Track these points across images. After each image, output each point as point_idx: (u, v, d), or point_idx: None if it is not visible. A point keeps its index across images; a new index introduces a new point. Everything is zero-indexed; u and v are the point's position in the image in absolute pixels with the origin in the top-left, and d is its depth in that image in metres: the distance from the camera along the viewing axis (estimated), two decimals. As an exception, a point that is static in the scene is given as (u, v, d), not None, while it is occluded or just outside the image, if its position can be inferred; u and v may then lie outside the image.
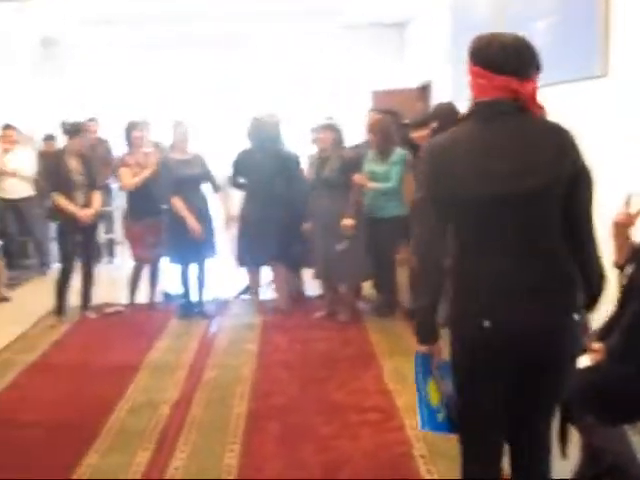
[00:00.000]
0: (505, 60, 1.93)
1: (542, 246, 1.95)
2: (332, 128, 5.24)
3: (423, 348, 2.15)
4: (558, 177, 1.89)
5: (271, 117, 5.69)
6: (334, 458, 3.18)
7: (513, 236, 1.94)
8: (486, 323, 1.93)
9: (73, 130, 5.55)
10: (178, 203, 5.35)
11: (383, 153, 5.25)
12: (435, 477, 2.98)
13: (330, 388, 4.02)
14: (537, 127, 1.98)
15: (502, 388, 2.06)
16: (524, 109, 1.96)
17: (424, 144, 2.08)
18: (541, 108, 2.00)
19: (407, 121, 5.22)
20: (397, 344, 4.76)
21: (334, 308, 5.48)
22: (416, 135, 5.01)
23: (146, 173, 5.60)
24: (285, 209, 5.48)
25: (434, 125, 4.61)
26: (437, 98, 7.64)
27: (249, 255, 5.60)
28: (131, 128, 5.72)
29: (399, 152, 5.25)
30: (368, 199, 5.28)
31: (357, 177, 5.12)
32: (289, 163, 5.60)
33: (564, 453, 2.78)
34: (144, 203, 5.65)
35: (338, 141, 5.25)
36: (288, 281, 5.88)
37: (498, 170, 1.91)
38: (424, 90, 9.04)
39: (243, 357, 4.64)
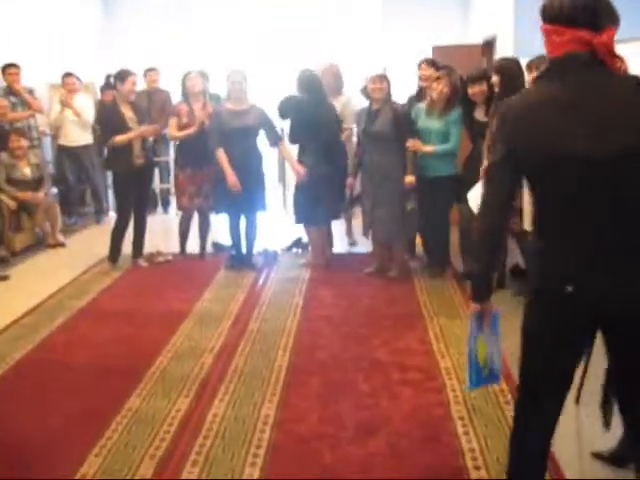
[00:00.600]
0: (575, 12, 1.86)
1: (629, 210, 1.88)
2: (387, 79, 5.09)
3: (477, 306, 2.16)
4: None
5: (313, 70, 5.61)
6: (371, 416, 3.16)
7: (598, 199, 1.87)
8: (569, 288, 1.91)
9: (119, 77, 5.57)
10: (221, 155, 5.33)
11: (443, 110, 5.08)
12: (472, 439, 2.93)
13: (373, 345, 3.99)
14: (618, 82, 1.91)
15: (575, 354, 2.09)
16: (602, 62, 1.88)
17: (499, 103, 2.08)
18: (621, 61, 1.91)
19: (462, 76, 5.02)
20: (445, 305, 4.69)
21: (384, 265, 5.41)
22: (472, 91, 4.86)
23: (190, 130, 5.59)
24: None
25: (495, 79, 4.46)
26: (501, 54, 7.37)
27: (315, 212, 5.47)
28: (186, 78, 5.70)
29: (457, 110, 5.07)
30: (421, 158, 5.12)
31: (412, 143, 4.98)
32: (338, 116, 5.51)
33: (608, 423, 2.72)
34: (190, 153, 5.68)
35: (389, 94, 5.10)
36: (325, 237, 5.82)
37: (582, 130, 1.84)
38: (488, 46, 8.75)
39: (288, 310, 4.64)
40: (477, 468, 2.73)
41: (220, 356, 3.89)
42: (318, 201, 5.38)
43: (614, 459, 2.72)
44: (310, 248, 5.89)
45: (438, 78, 5.07)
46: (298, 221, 5.63)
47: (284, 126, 5.82)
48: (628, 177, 1.85)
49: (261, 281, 5.39)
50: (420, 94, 5.68)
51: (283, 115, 5.58)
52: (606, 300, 1.90)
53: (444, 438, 2.96)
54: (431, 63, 5.64)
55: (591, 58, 1.87)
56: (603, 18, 1.87)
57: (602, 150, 1.81)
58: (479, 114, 4.92)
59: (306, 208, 5.48)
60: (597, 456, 2.80)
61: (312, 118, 5.28)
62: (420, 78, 5.68)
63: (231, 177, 5.30)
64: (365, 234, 5.44)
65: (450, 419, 3.12)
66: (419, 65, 5.72)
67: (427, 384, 3.48)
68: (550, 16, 1.92)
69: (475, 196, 4.66)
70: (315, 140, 5.35)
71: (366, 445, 2.92)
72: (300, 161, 5.46)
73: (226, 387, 3.49)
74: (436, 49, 8.76)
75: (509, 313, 4.43)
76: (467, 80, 4.93)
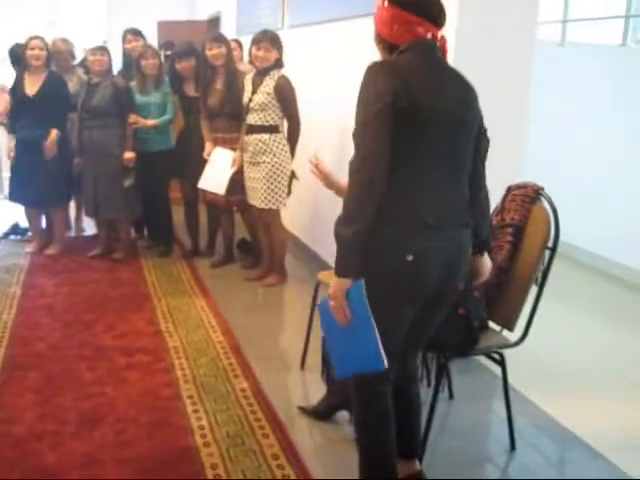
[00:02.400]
0: (430, 6, 2.01)
1: (464, 176, 2.05)
2: (107, 51, 4.83)
3: (347, 282, 1.93)
4: (480, 118, 2.08)
5: None
6: (95, 406, 2.99)
7: (452, 169, 2.01)
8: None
9: None
10: None
11: (157, 82, 4.96)
12: (202, 417, 2.90)
13: (97, 331, 3.79)
14: (457, 75, 2.08)
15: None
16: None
17: (372, 63, 1.96)
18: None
19: (169, 52, 4.97)
20: (173, 284, 4.64)
21: (110, 246, 5.17)
22: (181, 66, 4.82)
23: None
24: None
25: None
26: (225, 31, 7.41)
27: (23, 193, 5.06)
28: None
29: (166, 81, 5.02)
30: (141, 132, 4.96)
31: (133, 118, 4.81)
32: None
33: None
34: None
35: (110, 67, 4.87)
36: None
37: (458, 95, 2.01)
38: (213, 23, 8.75)
39: (3, 302, 4.22)
40: (207, 445, 2.70)
41: None
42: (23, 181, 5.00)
43: (316, 413, 2.92)
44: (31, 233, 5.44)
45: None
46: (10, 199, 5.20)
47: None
48: (469, 147, 2.05)
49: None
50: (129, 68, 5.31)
51: None
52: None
53: (173, 419, 2.90)
54: (138, 34, 5.46)
55: (438, 49, 2.03)
56: (443, 16, 2.05)
57: (465, 115, 2.01)
58: (189, 89, 4.90)
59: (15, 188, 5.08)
60: (302, 410, 2.97)
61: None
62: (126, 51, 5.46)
63: None
64: (88, 214, 5.14)
65: (179, 399, 3.06)
66: (123, 37, 5.49)
67: (155, 366, 3.38)
68: (403, 2, 1.98)
69: (206, 181, 4.66)
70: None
71: (91, 437, 2.75)
72: None
73: None
74: (161, 24, 8.57)
75: (239, 286, 4.58)
76: (175, 55, 4.86)
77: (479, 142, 2.10)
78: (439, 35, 2.02)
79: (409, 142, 1.91)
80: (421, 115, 1.91)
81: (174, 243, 5.35)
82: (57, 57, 5.20)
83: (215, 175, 4.62)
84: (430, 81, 1.98)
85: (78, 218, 5.85)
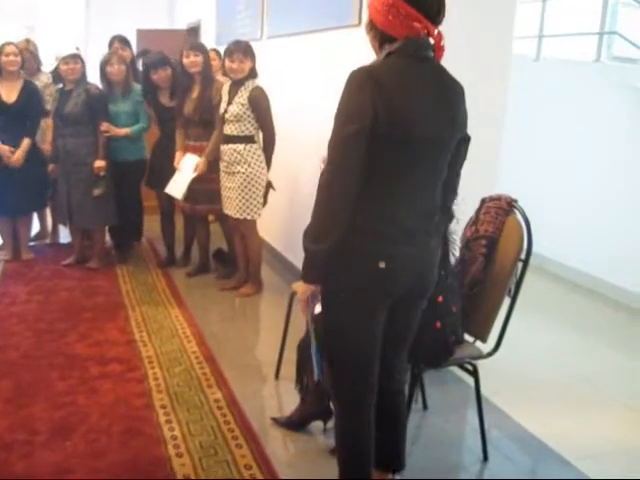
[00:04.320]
0: (439, 6, 1.91)
1: (439, 185, 2.03)
2: (81, 59, 4.80)
3: (312, 288, 2.00)
4: (464, 127, 2.03)
5: None
6: (67, 416, 2.95)
7: (428, 180, 1.98)
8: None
9: None
10: None
11: (124, 90, 4.94)
12: (175, 427, 2.89)
13: (70, 340, 3.75)
14: (446, 75, 2.00)
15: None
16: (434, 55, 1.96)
17: (354, 70, 1.86)
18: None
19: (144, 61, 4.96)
20: (148, 293, 4.61)
21: (84, 255, 5.13)
22: (157, 75, 4.82)
23: None
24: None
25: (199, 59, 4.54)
26: (205, 40, 7.42)
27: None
28: None
29: (138, 89, 5.00)
30: (114, 141, 4.91)
31: (106, 126, 4.78)
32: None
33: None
34: None
35: (84, 75, 4.84)
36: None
37: (442, 116, 1.93)
38: (192, 32, 8.76)
39: (-27, 310, 4.18)
40: (179, 455, 2.69)
41: None
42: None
43: (290, 424, 2.92)
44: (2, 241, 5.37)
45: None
46: None
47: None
48: (446, 162, 2.01)
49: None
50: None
51: None
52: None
53: (146, 429, 2.87)
54: (125, 43, 5.46)
55: (431, 48, 1.93)
56: (442, 15, 1.93)
57: (449, 132, 1.95)
58: (164, 99, 4.89)
59: None
60: (275, 421, 2.97)
61: None
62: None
63: None
64: (63, 222, 5.10)
65: (152, 408, 3.04)
66: (110, 44, 5.48)
67: (128, 375, 3.36)
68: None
69: (172, 185, 4.65)
70: None
71: (63, 447, 2.72)
72: None
73: None
74: (140, 32, 8.56)
75: (214, 296, 4.56)
76: (149, 65, 4.84)
77: (459, 149, 2.06)
78: (435, 32, 1.92)
79: (385, 156, 1.88)
80: (401, 136, 1.86)
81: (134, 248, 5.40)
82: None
83: (178, 180, 4.63)
84: (415, 97, 1.89)
85: (54, 225, 5.79)
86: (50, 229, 5.81)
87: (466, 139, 2.07)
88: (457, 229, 2.35)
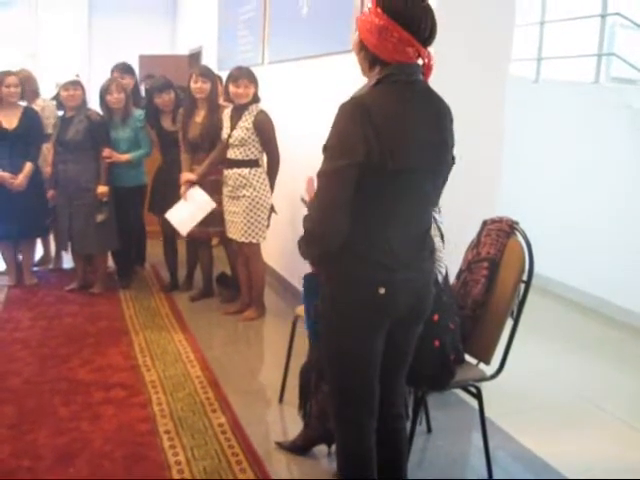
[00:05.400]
0: (422, 22, 1.86)
1: (430, 209, 2.06)
2: (81, 85, 4.85)
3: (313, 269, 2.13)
4: (453, 148, 2.02)
5: None
6: (70, 441, 2.95)
7: (422, 206, 2.00)
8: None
9: None
10: None
11: (123, 116, 4.97)
12: (179, 452, 2.88)
13: (73, 366, 3.75)
14: (435, 96, 1.99)
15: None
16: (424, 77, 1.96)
17: (345, 102, 1.85)
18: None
19: (148, 86, 5.02)
20: (151, 317, 4.61)
21: (87, 280, 5.15)
22: (160, 100, 4.88)
23: None
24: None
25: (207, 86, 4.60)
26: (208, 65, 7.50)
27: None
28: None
29: (139, 114, 5.04)
30: (115, 167, 4.92)
31: (107, 152, 4.81)
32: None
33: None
34: None
35: (84, 101, 4.88)
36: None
37: (433, 141, 1.93)
38: (194, 57, 8.85)
39: (-24, 337, 4.18)
40: (183, 480, 2.68)
41: None
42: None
43: (294, 448, 2.92)
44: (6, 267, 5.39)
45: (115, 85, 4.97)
46: None
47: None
48: (439, 187, 2.04)
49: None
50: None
51: None
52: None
53: (150, 454, 2.87)
54: (126, 70, 5.53)
55: (420, 71, 1.92)
56: (433, 37, 1.91)
57: (440, 161, 1.97)
58: (167, 123, 4.94)
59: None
60: (280, 445, 2.97)
61: None
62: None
63: None
64: (64, 248, 5.10)
65: (156, 434, 3.03)
66: (113, 71, 5.54)
67: (131, 400, 3.35)
68: (395, 10, 1.84)
69: (175, 214, 4.65)
70: None
71: (66, 473, 2.71)
72: None
73: None
74: (143, 58, 8.65)
75: (218, 320, 4.56)
76: (153, 89, 4.91)
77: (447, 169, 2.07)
78: (425, 53, 1.90)
79: (379, 186, 1.88)
80: (395, 167, 1.84)
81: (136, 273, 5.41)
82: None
83: (185, 214, 4.58)
84: (407, 127, 1.87)
85: (58, 251, 5.81)
86: (53, 254, 5.82)
87: (453, 158, 2.07)
88: (441, 246, 2.35)
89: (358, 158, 1.80)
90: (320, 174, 1.89)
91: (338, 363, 2.07)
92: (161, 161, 5.11)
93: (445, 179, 2.08)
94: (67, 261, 5.71)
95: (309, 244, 1.97)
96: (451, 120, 2.03)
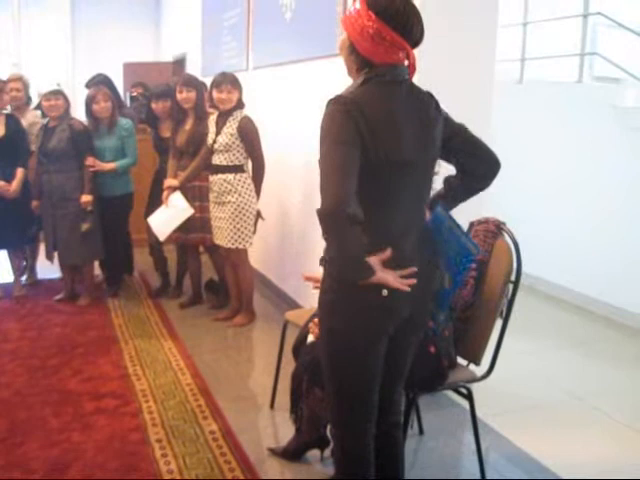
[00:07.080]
0: (413, 25, 1.86)
1: (424, 205, 2.05)
2: (64, 95, 4.82)
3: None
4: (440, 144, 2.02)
5: None
6: (62, 453, 2.93)
7: (418, 203, 2.01)
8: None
9: None
10: None
11: (110, 125, 4.94)
12: (171, 461, 2.87)
13: (63, 376, 3.73)
14: (421, 93, 1.99)
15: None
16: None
17: (335, 99, 1.83)
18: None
19: (147, 93, 5.03)
20: (141, 326, 4.59)
21: (75, 290, 5.12)
22: (157, 106, 4.89)
23: None
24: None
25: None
26: (191, 72, 7.49)
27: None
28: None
29: (126, 123, 5.03)
30: (100, 176, 4.89)
31: (91, 161, 4.77)
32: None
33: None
34: None
35: (67, 110, 4.85)
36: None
37: (422, 135, 1.93)
38: (178, 64, 8.85)
39: (-35, 349, 4.15)
40: (176, 489, 2.67)
41: None
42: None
43: (286, 454, 2.92)
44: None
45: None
46: None
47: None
48: (428, 182, 2.05)
49: None
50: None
51: None
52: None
53: (142, 464, 2.85)
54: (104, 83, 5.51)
55: (407, 71, 1.93)
56: (422, 39, 1.92)
57: (422, 157, 1.95)
58: (164, 130, 4.95)
59: None
60: (272, 451, 2.97)
61: None
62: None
63: None
64: (49, 258, 5.07)
65: (147, 443, 3.02)
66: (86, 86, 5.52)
67: (122, 409, 3.34)
68: (388, 13, 1.82)
69: (155, 219, 4.64)
70: None
71: (58, 485, 2.71)
72: None
73: None
74: (127, 66, 8.64)
75: (207, 327, 4.55)
76: (152, 95, 4.94)
77: (454, 137, 2.09)
78: (412, 54, 1.91)
79: (375, 183, 1.87)
80: (388, 163, 1.85)
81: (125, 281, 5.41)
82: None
83: (163, 219, 4.60)
84: (398, 124, 1.87)
85: (32, 264, 5.71)
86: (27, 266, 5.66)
87: (459, 129, 2.12)
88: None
89: (357, 145, 1.79)
90: (321, 154, 1.83)
91: (340, 367, 2.05)
92: (157, 167, 5.11)
93: (432, 175, 2.08)
94: (53, 272, 5.65)
95: (321, 217, 1.82)
96: (437, 104, 2.02)
